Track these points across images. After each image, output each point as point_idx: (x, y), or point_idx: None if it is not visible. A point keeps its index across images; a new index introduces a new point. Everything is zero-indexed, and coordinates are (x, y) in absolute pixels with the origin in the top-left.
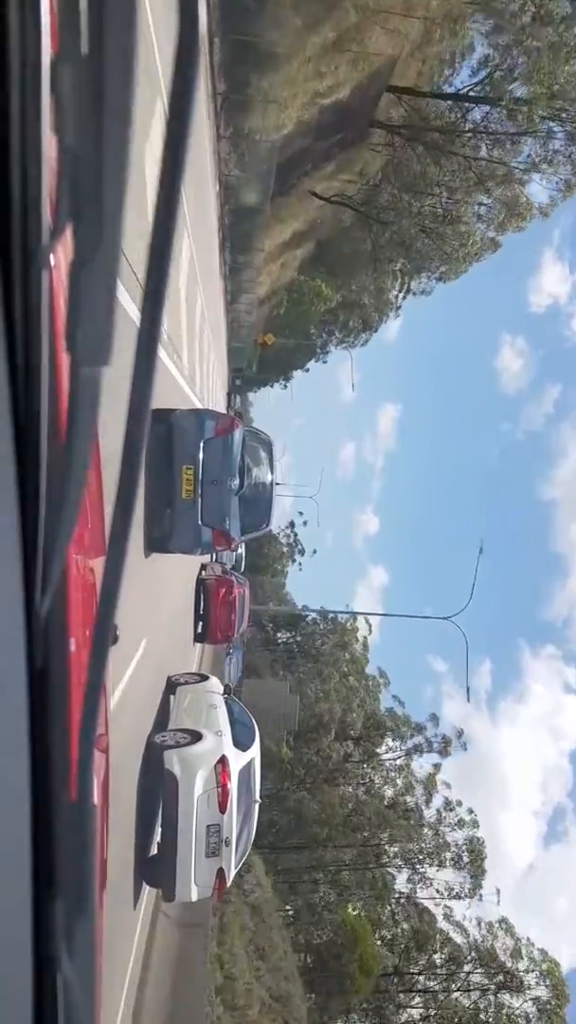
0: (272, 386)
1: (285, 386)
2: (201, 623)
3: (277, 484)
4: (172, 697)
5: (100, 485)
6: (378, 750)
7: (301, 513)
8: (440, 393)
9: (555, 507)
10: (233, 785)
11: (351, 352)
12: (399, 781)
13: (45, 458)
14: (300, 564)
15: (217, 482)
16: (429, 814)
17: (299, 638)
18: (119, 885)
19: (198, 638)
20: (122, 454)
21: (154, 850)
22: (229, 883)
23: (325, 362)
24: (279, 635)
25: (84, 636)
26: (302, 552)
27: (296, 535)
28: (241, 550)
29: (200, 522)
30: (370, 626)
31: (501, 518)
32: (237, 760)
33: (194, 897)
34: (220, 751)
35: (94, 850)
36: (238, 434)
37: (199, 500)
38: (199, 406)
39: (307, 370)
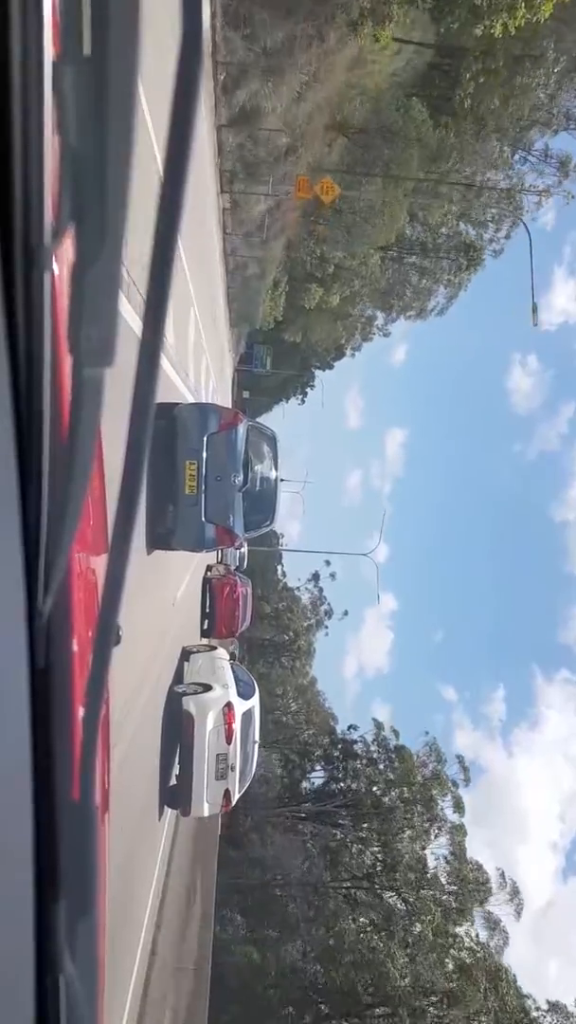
0: (287, 400)
1: (303, 398)
2: (207, 620)
3: (282, 480)
4: (186, 663)
5: (102, 481)
6: None
7: (328, 563)
8: (449, 416)
9: (570, 528)
10: (237, 724)
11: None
12: None
13: (48, 458)
14: (327, 630)
15: (221, 478)
16: None
17: (341, 775)
18: (148, 805)
19: (204, 633)
20: (125, 454)
21: (173, 781)
22: (233, 803)
23: (388, 334)
24: (311, 771)
25: (87, 636)
26: (329, 614)
27: (322, 590)
28: (244, 549)
29: (203, 518)
30: (467, 774)
31: (514, 541)
32: (240, 706)
33: (206, 813)
34: (227, 698)
35: (97, 851)
36: (242, 429)
37: (202, 496)
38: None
39: (353, 354)
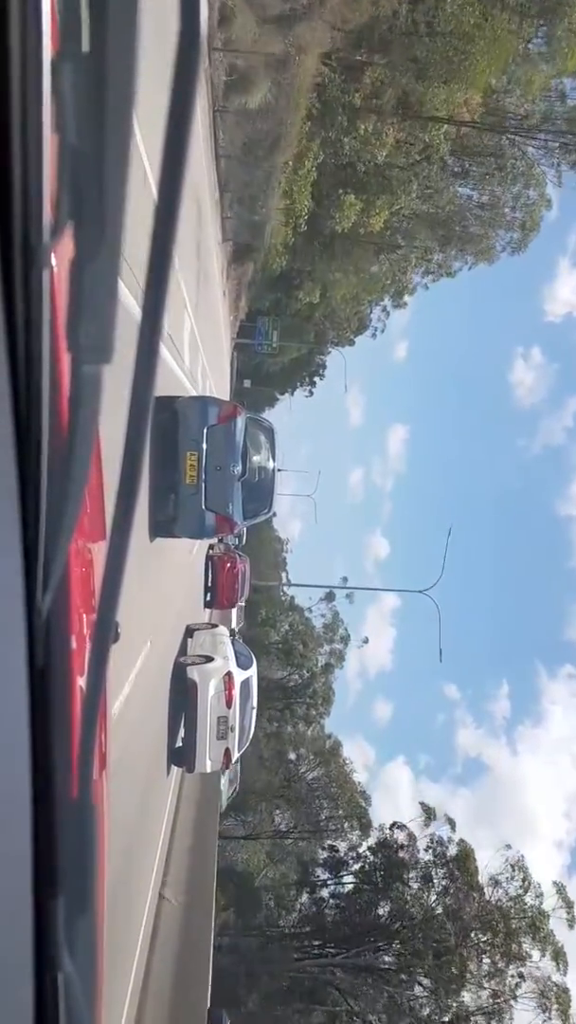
0: (293, 392)
1: (311, 390)
2: (210, 593)
3: (279, 470)
4: (190, 639)
5: (100, 469)
6: None
7: (345, 578)
8: (452, 411)
9: (575, 523)
10: (236, 691)
11: None
12: None
13: (46, 456)
14: (344, 663)
15: (220, 468)
16: None
17: (383, 899)
18: (158, 766)
19: (207, 604)
20: (124, 446)
21: (179, 743)
22: (233, 761)
23: (451, 274)
24: (339, 884)
25: (85, 634)
26: (345, 640)
27: (337, 614)
28: (244, 529)
29: (204, 507)
30: (572, 911)
31: (518, 536)
32: (239, 675)
33: (208, 769)
34: (227, 668)
35: (95, 849)
36: (240, 421)
37: (203, 486)
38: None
39: (376, 331)
